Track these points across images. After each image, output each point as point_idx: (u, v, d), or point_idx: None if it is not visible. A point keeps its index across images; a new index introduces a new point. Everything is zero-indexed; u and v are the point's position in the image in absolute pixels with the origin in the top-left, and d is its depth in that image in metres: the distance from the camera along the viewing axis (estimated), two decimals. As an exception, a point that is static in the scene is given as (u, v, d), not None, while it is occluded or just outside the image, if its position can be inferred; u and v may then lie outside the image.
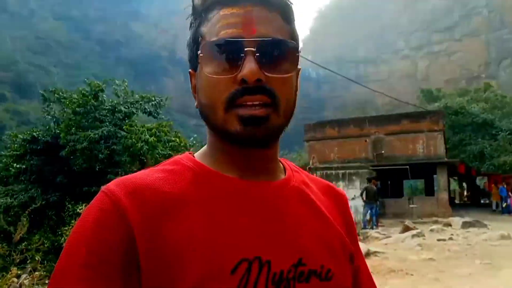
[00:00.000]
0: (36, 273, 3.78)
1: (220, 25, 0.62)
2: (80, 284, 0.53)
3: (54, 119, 11.45)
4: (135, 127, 10.33)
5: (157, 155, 10.38)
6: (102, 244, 0.55)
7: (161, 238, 0.57)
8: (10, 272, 3.57)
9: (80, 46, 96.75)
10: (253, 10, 0.62)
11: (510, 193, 20.23)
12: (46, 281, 3.61)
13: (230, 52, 0.61)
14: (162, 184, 0.62)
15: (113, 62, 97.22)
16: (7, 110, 60.91)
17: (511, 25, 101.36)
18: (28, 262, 6.33)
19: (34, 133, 11.54)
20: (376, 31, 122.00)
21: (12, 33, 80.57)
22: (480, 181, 30.84)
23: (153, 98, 11.73)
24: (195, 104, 0.69)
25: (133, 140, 9.74)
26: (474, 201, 26.22)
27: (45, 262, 6.74)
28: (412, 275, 6.36)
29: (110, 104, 11.22)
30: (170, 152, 10.83)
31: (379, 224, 13.87)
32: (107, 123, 10.81)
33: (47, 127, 11.34)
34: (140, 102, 11.54)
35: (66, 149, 10.28)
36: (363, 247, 8.16)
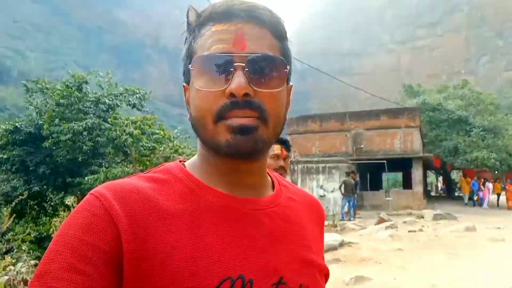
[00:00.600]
0: (32, 261, 3.99)
1: (211, 40, 0.64)
2: (62, 286, 0.52)
3: (37, 110, 11.48)
4: (120, 120, 10.49)
5: (142, 147, 10.58)
6: (89, 248, 0.55)
7: (146, 248, 0.57)
8: (4, 260, 3.79)
9: (60, 31, 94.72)
10: (244, 27, 0.64)
11: (481, 187, 21.11)
12: None
13: (220, 66, 0.62)
14: (152, 194, 0.62)
15: (95, 49, 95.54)
16: (-18, 96, 59.58)
17: (491, 23, 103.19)
18: (15, 251, 6.51)
19: (17, 123, 11.57)
20: (362, 24, 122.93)
21: (-11, 17, 78.48)
22: (457, 175, 31.89)
23: (137, 91, 11.88)
24: (188, 117, 0.70)
25: (118, 132, 9.91)
26: (449, 194, 27.15)
27: (31, 252, 6.92)
28: (381, 263, 6.81)
29: (94, 96, 11.32)
30: (154, 145, 11.05)
31: (356, 216, 14.39)
32: (91, 115, 10.93)
33: (30, 117, 11.37)
34: (124, 94, 11.67)
35: (50, 140, 10.37)
36: (339, 238, 8.63)
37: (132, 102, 11.79)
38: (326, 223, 0.82)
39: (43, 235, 10.34)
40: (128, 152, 11.03)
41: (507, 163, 22.07)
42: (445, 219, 13.60)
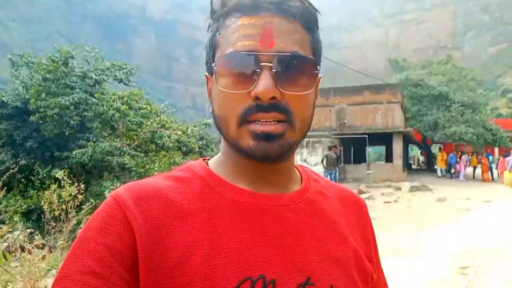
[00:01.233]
0: (28, 230, 4.33)
1: (237, 35, 0.60)
2: None
3: (23, 84, 11.54)
4: (107, 95, 10.66)
5: (129, 122, 10.82)
6: (106, 250, 0.55)
7: (163, 249, 0.56)
8: (0, 229, 4.10)
9: (42, 1, 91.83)
10: (272, 21, 0.59)
11: (457, 159, 21.92)
12: (35, 237, 4.18)
13: (246, 66, 0.59)
14: (171, 193, 0.62)
15: (79, 19, 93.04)
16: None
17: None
18: (7, 223, 6.81)
19: (3, 98, 11.61)
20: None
21: (-33, -16, 75.57)
22: (438, 149, 32.84)
23: (124, 66, 11.97)
24: (210, 109, 0.68)
25: (105, 107, 10.11)
26: (429, 167, 28.05)
27: (23, 223, 7.25)
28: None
29: (80, 70, 11.40)
30: (141, 119, 11.29)
31: (337, 188, 15.01)
32: (78, 90, 11.05)
33: (16, 91, 11.44)
34: (111, 69, 11.77)
35: (37, 115, 10.49)
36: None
37: (119, 77, 11.89)
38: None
39: (31, 208, 10.67)
40: (116, 126, 11.27)
41: (483, 137, 22.68)
42: (420, 190, 14.34)
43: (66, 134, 10.85)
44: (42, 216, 5.85)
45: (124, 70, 11.88)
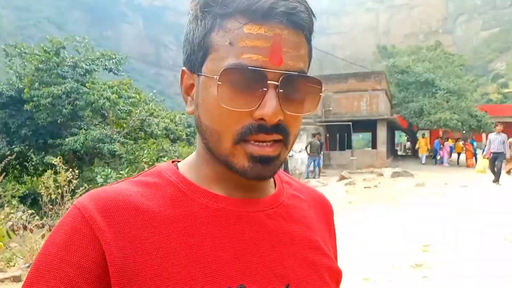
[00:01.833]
0: (29, 210, 4.77)
1: (243, 45, 0.54)
2: None
3: (17, 74, 11.87)
4: (97, 84, 11.03)
5: (118, 111, 11.23)
6: (71, 268, 0.51)
7: (136, 262, 0.53)
8: (3, 211, 4.55)
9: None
10: (282, 34, 0.54)
11: (442, 146, 22.49)
12: (36, 217, 4.63)
13: (252, 82, 0.54)
14: (140, 200, 0.58)
15: (67, 5, 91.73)
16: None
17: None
18: (6, 206, 7.27)
19: (-2, 87, 11.94)
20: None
21: (-47, -31, 73.95)
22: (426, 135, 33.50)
23: (113, 56, 12.33)
24: (188, 109, 0.64)
25: (96, 96, 10.50)
26: (414, 154, 28.75)
27: (21, 205, 7.71)
28: (331, 214, 7.90)
29: (71, 60, 11.75)
30: (130, 108, 11.70)
31: (322, 174, 15.56)
32: (69, 79, 11.42)
33: (10, 81, 11.78)
34: (101, 59, 12.12)
35: (30, 104, 10.89)
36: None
37: (109, 66, 12.27)
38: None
39: (25, 193, 11.10)
40: (106, 115, 11.66)
41: (468, 123, 23.12)
42: (402, 176, 14.84)
43: (59, 122, 11.25)
44: (39, 199, 6.31)
45: (114, 60, 12.23)
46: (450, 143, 23.15)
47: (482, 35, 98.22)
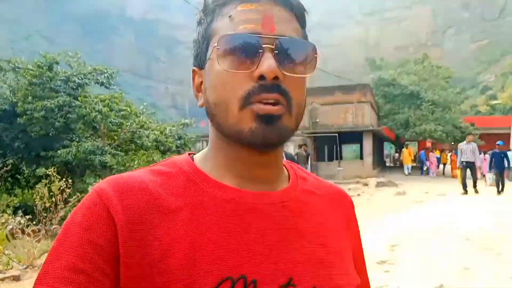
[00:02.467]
0: (27, 216, 5.08)
1: (238, 19, 0.60)
2: (63, 286, 0.52)
3: (10, 88, 12.19)
4: (89, 98, 11.38)
5: (110, 123, 11.58)
6: (89, 246, 0.54)
7: (144, 245, 0.55)
8: (1, 216, 4.87)
9: (22, 1, 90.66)
10: (272, 8, 0.60)
11: (427, 156, 23.03)
12: (33, 222, 4.95)
13: (248, 47, 0.58)
14: (154, 188, 0.61)
15: (59, 19, 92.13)
16: None
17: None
18: (1, 215, 7.57)
19: (-9, 101, 12.19)
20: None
21: None
22: (414, 147, 34.09)
23: (105, 70, 12.70)
24: (199, 103, 0.67)
25: (87, 109, 10.85)
26: (402, 164, 29.31)
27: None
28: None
29: (64, 75, 12.10)
30: (121, 120, 12.05)
31: (309, 184, 15.96)
32: (62, 93, 11.75)
33: (4, 95, 12.08)
34: (93, 73, 12.49)
35: (24, 117, 11.19)
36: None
37: (101, 80, 12.63)
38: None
39: (16, 206, 11.32)
40: (97, 127, 12.00)
41: (452, 135, 23.81)
42: (386, 186, 15.33)
43: (51, 134, 11.53)
44: (34, 208, 6.61)
45: (105, 74, 12.60)
46: (436, 154, 23.69)
47: (471, 47, 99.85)
